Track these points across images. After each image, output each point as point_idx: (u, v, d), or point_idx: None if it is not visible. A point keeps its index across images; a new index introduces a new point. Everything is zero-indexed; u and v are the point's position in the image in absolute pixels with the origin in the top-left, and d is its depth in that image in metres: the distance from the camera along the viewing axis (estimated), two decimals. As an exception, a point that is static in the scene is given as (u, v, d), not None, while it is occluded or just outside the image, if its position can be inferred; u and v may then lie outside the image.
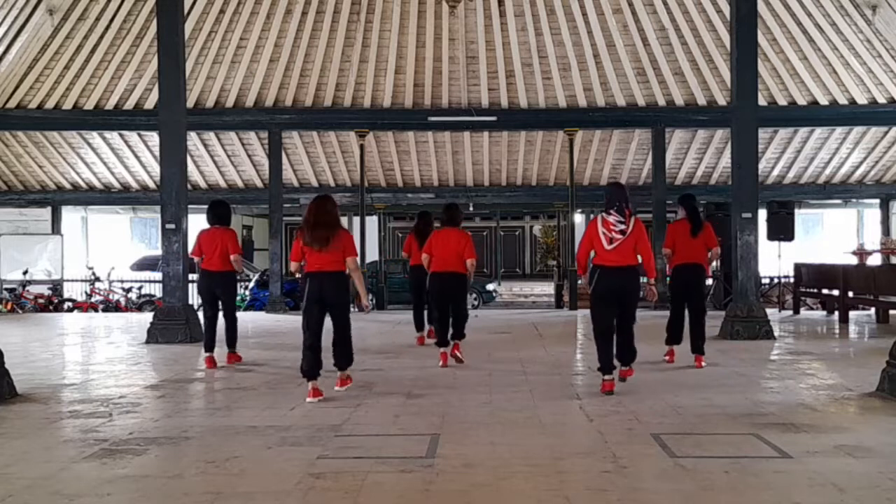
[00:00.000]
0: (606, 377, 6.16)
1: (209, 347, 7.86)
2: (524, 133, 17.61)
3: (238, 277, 8.83)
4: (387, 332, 11.10)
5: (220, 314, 8.01)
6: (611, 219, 6.22)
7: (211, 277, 7.85)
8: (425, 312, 9.49)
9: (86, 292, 17.81)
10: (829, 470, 3.95)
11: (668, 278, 7.37)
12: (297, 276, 6.75)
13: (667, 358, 7.73)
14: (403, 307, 17.00)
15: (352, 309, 6.64)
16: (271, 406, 5.72)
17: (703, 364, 7.45)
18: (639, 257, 6.31)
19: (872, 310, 12.24)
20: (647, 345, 8.61)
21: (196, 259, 7.94)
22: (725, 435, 4.75)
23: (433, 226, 8.95)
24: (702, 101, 16.34)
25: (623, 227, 6.18)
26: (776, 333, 10.04)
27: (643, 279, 6.51)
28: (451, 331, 7.78)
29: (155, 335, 9.76)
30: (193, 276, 12.21)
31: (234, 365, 7.89)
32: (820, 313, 13.97)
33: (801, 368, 7.36)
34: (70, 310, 16.68)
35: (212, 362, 7.75)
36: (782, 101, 16.24)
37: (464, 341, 7.96)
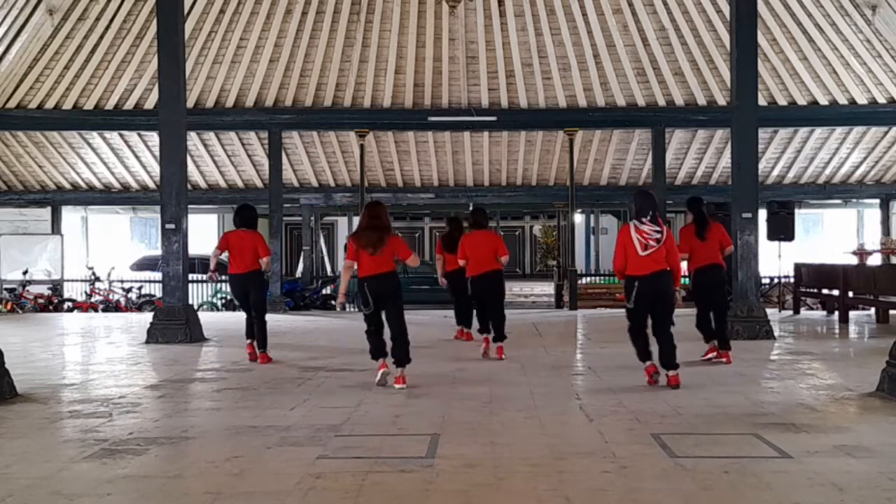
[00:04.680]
0: (647, 363, 6.44)
1: (250, 335, 8.12)
2: (524, 133, 17.60)
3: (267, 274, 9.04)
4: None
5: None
6: (645, 228, 6.30)
7: (244, 280, 8.04)
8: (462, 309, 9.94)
9: (86, 292, 17.79)
10: (829, 470, 3.95)
11: (684, 280, 7.45)
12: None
13: (713, 355, 7.73)
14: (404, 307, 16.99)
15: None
16: (271, 406, 5.72)
17: (722, 360, 7.64)
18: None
19: (872, 310, 12.24)
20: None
21: (215, 254, 8.22)
22: (725, 435, 4.75)
23: (463, 230, 9.24)
24: (702, 101, 16.34)
25: (659, 236, 6.28)
26: (776, 333, 10.04)
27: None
28: (492, 333, 8.19)
29: (155, 335, 9.77)
30: (194, 276, 12.27)
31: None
32: (820, 313, 13.96)
33: (801, 368, 7.36)
34: (70, 310, 16.67)
35: (253, 349, 8.06)
36: (782, 101, 16.23)
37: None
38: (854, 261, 14.66)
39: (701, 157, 18.22)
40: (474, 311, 9.67)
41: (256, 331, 8.05)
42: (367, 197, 17.83)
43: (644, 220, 6.30)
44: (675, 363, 6.39)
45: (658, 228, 6.29)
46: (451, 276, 9.57)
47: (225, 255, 8.23)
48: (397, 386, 6.37)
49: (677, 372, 6.40)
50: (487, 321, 8.26)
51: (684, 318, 7.94)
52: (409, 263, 6.69)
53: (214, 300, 17.63)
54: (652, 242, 6.25)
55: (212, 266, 8.50)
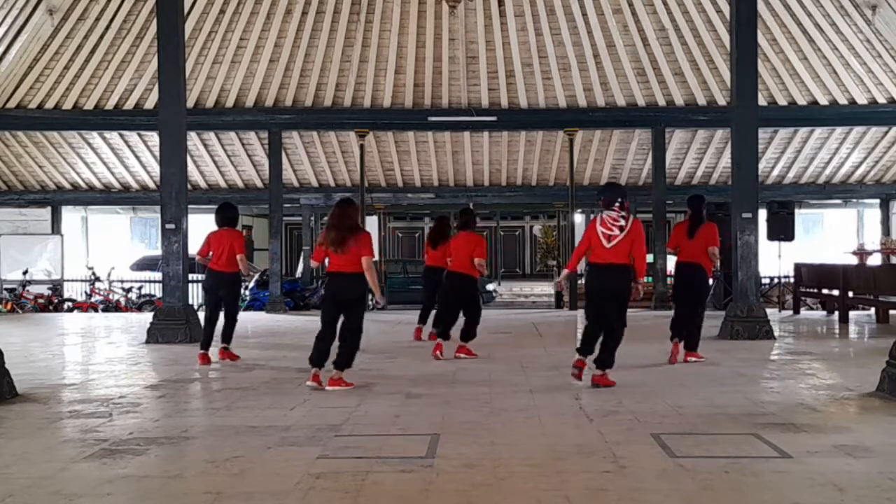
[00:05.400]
0: (579, 356, 6.33)
1: (204, 345, 7.99)
2: (524, 133, 17.61)
3: (243, 278, 8.98)
4: (387, 332, 11.09)
5: (221, 314, 8.12)
6: (612, 214, 6.30)
7: (217, 278, 8.01)
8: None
9: (86, 292, 17.81)
10: (829, 470, 3.95)
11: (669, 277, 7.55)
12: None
13: (677, 354, 7.68)
14: (403, 307, 17.02)
15: (368, 305, 6.81)
16: (271, 406, 5.72)
17: (691, 360, 7.67)
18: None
19: (872, 310, 12.24)
20: (648, 345, 8.64)
21: (199, 258, 8.14)
22: (725, 435, 4.74)
23: (450, 228, 9.30)
24: (702, 101, 16.34)
25: (623, 222, 6.25)
26: (776, 333, 10.04)
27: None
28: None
29: (155, 335, 9.77)
30: (193, 276, 12.27)
31: (228, 362, 7.94)
32: (820, 313, 13.97)
33: (801, 368, 7.36)
34: (70, 310, 16.68)
35: (205, 359, 7.89)
36: (782, 101, 16.23)
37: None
38: (854, 261, 14.65)
39: (701, 157, 18.22)
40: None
41: (224, 326, 8.00)
42: (368, 197, 17.86)
43: (613, 208, 6.31)
44: (605, 362, 6.31)
45: (624, 215, 6.28)
46: (428, 272, 9.67)
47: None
48: (328, 388, 6.23)
49: (604, 373, 6.31)
50: (446, 328, 8.26)
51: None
52: (362, 262, 6.26)
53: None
54: (616, 230, 6.22)
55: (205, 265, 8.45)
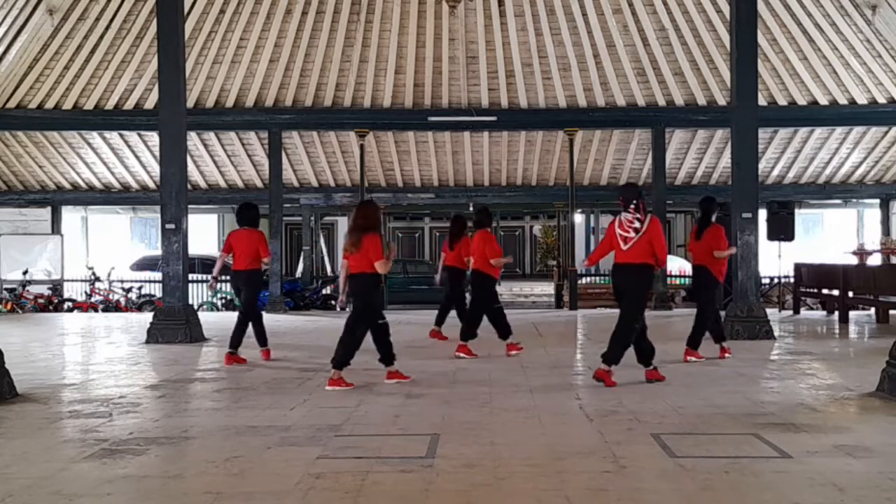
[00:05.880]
0: (648, 368, 6.55)
1: (261, 343, 8.15)
2: (524, 133, 17.60)
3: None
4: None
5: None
6: (628, 216, 6.39)
7: (236, 277, 8.12)
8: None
9: (86, 292, 17.80)
10: (829, 470, 3.95)
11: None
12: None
13: (724, 355, 7.92)
14: (403, 307, 17.04)
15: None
16: (271, 406, 5.72)
17: (691, 359, 7.71)
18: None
19: (872, 310, 12.24)
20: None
21: (220, 258, 8.33)
22: (725, 435, 4.75)
23: (466, 227, 9.47)
24: (702, 101, 16.33)
25: (638, 224, 6.33)
26: (776, 333, 10.05)
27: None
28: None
29: (155, 335, 9.77)
30: (194, 276, 12.30)
31: (266, 365, 7.95)
32: (820, 313, 13.96)
33: (801, 368, 7.36)
34: (70, 310, 16.67)
35: (268, 354, 8.11)
36: (782, 101, 16.22)
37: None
38: (854, 261, 14.64)
39: (701, 157, 18.22)
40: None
41: (234, 327, 8.05)
42: (368, 197, 17.85)
43: (629, 209, 6.39)
44: (608, 358, 6.35)
45: (639, 217, 6.35)
46: (447, 272, 9.83)
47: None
48: (328, 388, 6.29)
49: (607, 370, 6.33)
50: (469, 325, 8.36)
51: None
52: (377, 268, 6.33)
53: (214, 300, 17.64)
54: (631, 232, 6.33)
55: (214, 272, 8.46)
